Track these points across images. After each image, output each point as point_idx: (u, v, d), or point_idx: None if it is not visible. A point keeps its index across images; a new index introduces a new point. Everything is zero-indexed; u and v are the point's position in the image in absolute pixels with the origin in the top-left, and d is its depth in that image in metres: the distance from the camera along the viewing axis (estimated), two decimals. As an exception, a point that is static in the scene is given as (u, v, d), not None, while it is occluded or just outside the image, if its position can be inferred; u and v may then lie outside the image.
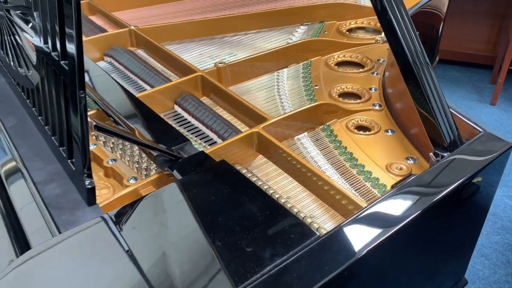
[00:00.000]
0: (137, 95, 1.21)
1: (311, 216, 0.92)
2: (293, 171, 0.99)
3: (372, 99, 1.29)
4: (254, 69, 1.42)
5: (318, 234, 0.71)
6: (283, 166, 1.02)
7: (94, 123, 0.74)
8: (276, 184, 1.01)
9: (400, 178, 1.01)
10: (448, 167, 0.83)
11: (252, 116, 1.14)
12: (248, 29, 1.72)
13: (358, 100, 1.28)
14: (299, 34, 1.69)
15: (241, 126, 1.18)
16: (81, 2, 1.79)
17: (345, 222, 0.73)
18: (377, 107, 1.24)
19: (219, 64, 1.31)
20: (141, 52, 1.55)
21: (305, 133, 1.16)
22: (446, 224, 0.88)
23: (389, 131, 1.16)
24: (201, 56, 1.57)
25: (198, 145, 1.11)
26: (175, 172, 0.85)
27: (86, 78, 1.16)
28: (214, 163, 0.87)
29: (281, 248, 0.67)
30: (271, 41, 1.66)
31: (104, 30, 1.62)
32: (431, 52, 2.16)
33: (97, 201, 0.91)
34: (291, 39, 1.65)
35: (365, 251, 0.67)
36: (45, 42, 0.83)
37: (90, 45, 1.51)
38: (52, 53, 0.80)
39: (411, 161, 1.06)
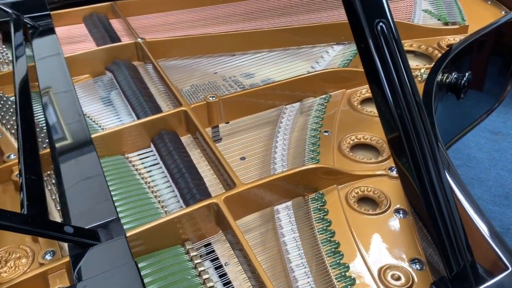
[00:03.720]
0: (110, 130, 1.00)
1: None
2: (245, 266, 0.73)
3: (391, 159, 0.97)
4: (261, 99, 1.15)
5: None
6: (236, 253, 0.76)
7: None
8: (236, 273, 0.75)
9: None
10: None
11: (224, 175, 0.88)
12: (275, 46, 1.43)
13: (372, 159, 0.97)
14: (330, 56, 1.37)
15: (216, 182, 0.93)
16: (104, 4, 1.63)
17: None
18: (394, 173, 0.92)
19: (210, 98, 1.06)
20: (149, 68, 1.33)
21: (289, 202, 0.88)
22: None
23: (401, 212, 0.85)
24: (214, 77, 1.33)
25: (158, 205, 0.88)
26: (75, 273, 0.63)
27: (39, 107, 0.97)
28: (123, 264, 0.64)
29: None
30: (297, 62, 1.37)
31: (117, 39, 1.43)
32: (505, 68, 1.71)
33: (4, 277, 0.73)
34: (318, 63, 1.34)
35: None
36: None
37: (95, 57, 1.33)
38: None
39: (417, 266, 0.75)
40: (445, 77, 1.10)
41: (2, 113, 1.14)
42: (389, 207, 0.86)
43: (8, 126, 1.09)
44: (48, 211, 0.68)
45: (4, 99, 1.20)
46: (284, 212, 0.85)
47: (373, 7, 0.57)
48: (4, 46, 1.46)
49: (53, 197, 0.87)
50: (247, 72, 1.35)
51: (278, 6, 1.64)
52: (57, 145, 0.85)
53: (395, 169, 0.93)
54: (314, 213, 0.84)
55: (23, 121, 0.85)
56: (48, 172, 0.92)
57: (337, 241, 0.79)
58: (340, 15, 1.54)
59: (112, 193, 0.87)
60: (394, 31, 0.58)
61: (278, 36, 1.42)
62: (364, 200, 0.90)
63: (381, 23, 0.58)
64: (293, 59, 1.39)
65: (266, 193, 0.84)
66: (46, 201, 0.70)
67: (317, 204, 0.86)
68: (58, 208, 0.82)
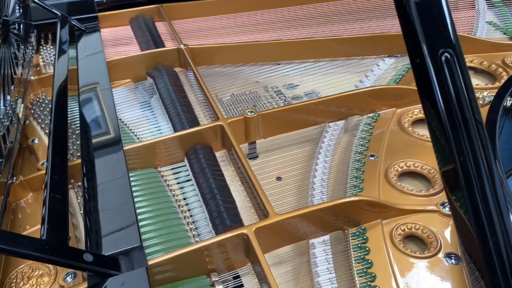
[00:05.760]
0: (144, 142, 0.96)
1: None
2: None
3: (444, 192, 0.86)
4: (303, 116, 1.06)
5: None
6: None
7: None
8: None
9: None
10: None
11: (257, 199, 0.81)
12: (323, 57, 1.34)
13: (423, 191, 0.87)
14: (380, 70, 1.27)
15: (250, 205, 0.86)
16: (151, 6, 1.60)
17: None
18: (447, 210, 0.82)
19: (249, 113, 0.99)
20: (190, 75, 1.28)
21: (327, 236, 0.79)
22: None
23: (452, 257, 0.74)
24: (256, 86, 1.26)
25: (186, 227, 0.82)
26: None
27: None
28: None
29: None
30: (345, 74, 1.27)
31: (161, 44, 1.38)
32: None
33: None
34: (367, 77, 1.24)
35: None
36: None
37: (137, 62, 1.29)
38: None
39: (470, 326, 0.65)
40: (511, 102, 0.97)
41: (42, 117, 1.12)
42: (439, 250, 0.75)
43: (47, 131, 1.08)
44: (68, 236, 0.64)
45: (46, 101, 1.18)
46: (321, 248, 0.77)
47: (438, 35, 0.47)
48: (52, 47, 1.46)
49: (81, 211, 0.83)
50: (291, 83, 1.28)
51: (327, 13, 1.55)
52: (87, 158, 0.81)
53: (448, 206, 0.82)
54: (354, 251, 0.75)
55: (56, 132, 0.82)
56: (79, 184, 0.89)
57: (377, 287, 0.70)
58: (392, 26, 1.43)
59: (141, 210, 0.83)
60: (461, 63, 0.48)
61: (326, 46, 1.33)
62: (411, 238, 0.80)
63: (446, 54, 0.48)
64: (340, 71, 1.30)
65: (301, 224, 0.76)
66: (67, 222, 0.66)
67: (358, 241, 0.77)
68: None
